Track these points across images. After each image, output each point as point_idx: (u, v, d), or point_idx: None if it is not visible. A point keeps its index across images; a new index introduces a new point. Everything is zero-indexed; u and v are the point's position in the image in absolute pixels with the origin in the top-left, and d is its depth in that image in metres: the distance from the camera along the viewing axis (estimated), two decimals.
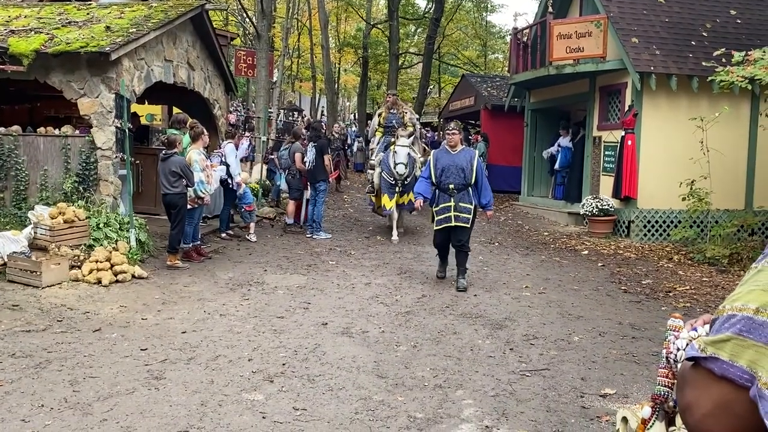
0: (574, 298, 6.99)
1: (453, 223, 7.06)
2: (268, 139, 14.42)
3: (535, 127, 14.83)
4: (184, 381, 4.28)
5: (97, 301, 6.20)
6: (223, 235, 9.71)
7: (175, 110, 11.75)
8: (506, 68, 24.38)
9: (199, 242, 8.43)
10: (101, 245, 7.27)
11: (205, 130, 8.42)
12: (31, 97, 11.62)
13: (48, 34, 8.35)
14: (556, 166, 13.72)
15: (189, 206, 7.91)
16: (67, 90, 8.26)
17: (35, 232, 7.16)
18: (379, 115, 11.05)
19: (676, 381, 1.31)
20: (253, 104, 21.68)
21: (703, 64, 10.16)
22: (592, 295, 7.17)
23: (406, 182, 9.76)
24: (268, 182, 13.13)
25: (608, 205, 10.98)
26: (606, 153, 11.68)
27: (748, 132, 11.11)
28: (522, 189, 15.08)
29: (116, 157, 8.25)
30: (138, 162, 9.80)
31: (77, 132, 8.62)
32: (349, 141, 19.83)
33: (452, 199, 7.07)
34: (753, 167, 11.15)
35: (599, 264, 8.91)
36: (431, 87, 31.62)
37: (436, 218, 7.25)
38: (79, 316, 5.73)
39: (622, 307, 6.68)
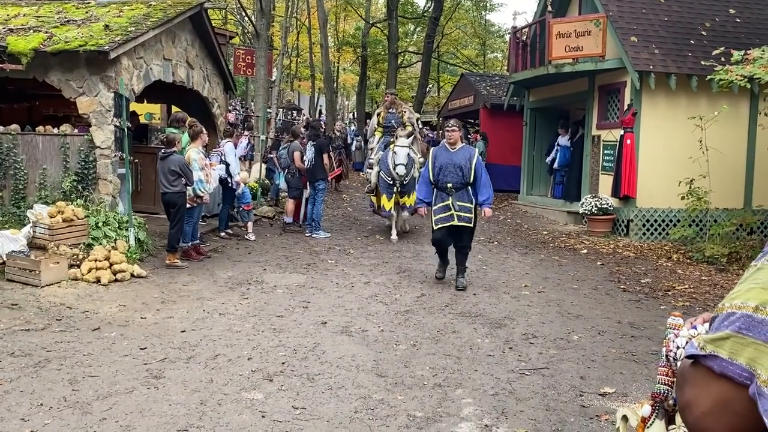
0: (574, 297, 6.99)
1: (456, 223, 6.91)
2: (267, 138, 14.40)
3: (534, 126, 14.83)
4: (184, 380, 4.28)
5: (96, 300, 6.20)
6: (222, 234, 9.71)
7: (174, 109, 11.73)
8: (505, 67, 24.38)
9: (198, 241, 8.43)
10: (100, 244, 7.27)
11: (204, 129, 8.42)
12: (29, 95, 11.61)
13: (47, 32, 8.34)
14: (555, 165, 13.73)
15: (188, 205, 7.90)
16: (66, 89, 8.25)
17: (34, 231, 7.15)
18: (378, 114, 10.98)
19: (675, 379, 1.32)
20: (252, 103, 21.68)
21: (702, 63, 10.16)
22: (592, 294, 7.18)
23: (405, 182, 9.70)
24: (267, 181, 13.12)
25: (607, 204, 10.98)
26: (605, 152, 11.69)
27: (747, 131, 11.12)
28: (521, 188, 15.09)
29: (115, 156, 8.24)
30: (137, 161, 9.79)
31: (76, 131, 8.61)
32: (348, 140, 19.81)
33: (450, 198, 6.93)
34: (752, 166, 11.16)
35: (598, 263, 8.92)
36: (430, 86, 31.64)
37: (434, 217, 7.12)
38: (78, 315, 5.73)
39: (621, 305, 6.69)
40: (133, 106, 10.74)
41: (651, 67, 10.62)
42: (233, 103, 19.51)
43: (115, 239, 7.46)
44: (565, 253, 9.64)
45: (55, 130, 8.47)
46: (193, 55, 10.43)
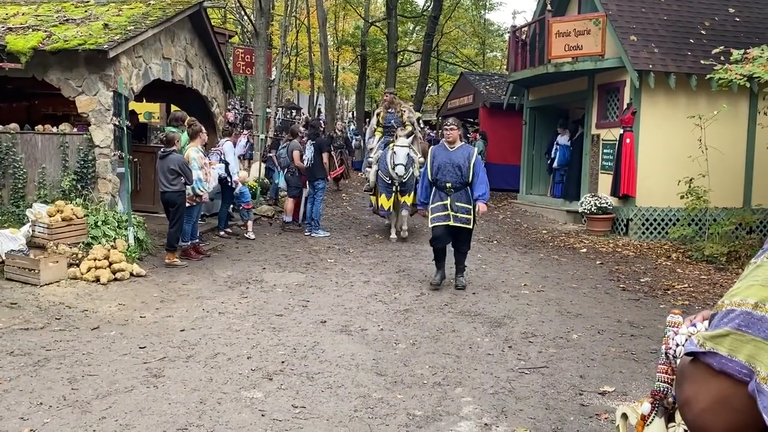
0: (573, 296, 6.99)
1: (452, 223, 6.83)
2: (266, 137, 14.40)
3: (533, 125, 14.84)
4: (183, 379, 4.28)
5: (95, 299, 6.19)
6: (222, 233, 9.71)
7: (173, 108, 11.73)
8: (505, 66, 24.39)
9: (197, 240, 8.43)
10: (99, 243, 7.26)
11: (203, 128, 8.41)
12: (28, 94, 11.61)
13: (46, 31, 8.33)
14: (555, 164, 13.73)
15: (187, 204, 7.90)
16: (65, 88, 8.25)
17: (33, 230, 7.15)
18: (378, 114, 10.88)
19: (675, 377, 1.32)
20: (251, 102, 21.68)
21: (702, 62, 10.16)
22: (591, 293, 7.18)
23: (404, 181, 9.64)
24: (266, 180, 13.12)
25: (607, 203, 10.99)
26: (604, 151, 11.69)
27: (747, 130, 11.13)
28: (520, 187, 15.09)
29: (114, 155, 8.24)
30: (136, 160, 9.79)
31: (75, 130, 8.60)
32: (350, 139, 19.79)
33: (449, 198, 6.82)
34: (751, 165, 11.17)
35: (598, 262, 8.92)
36: (430, 85, 31.66)
37: (430, 216, 7.01)
38: (78, 314, 5.73)
39: (620, 305, 6.69)
40: (133, 105, 10.74)
41: (650, 66, 10.62)
42: (232, 102, 19.51)
43: (115, 238, 7.46)
44: (564, 252, 9.64)
45: (54, 129, 8.47)
46: (192, 54, 10.42)
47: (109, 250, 7.04)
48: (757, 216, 10.78)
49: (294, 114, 27.17)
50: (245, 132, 14.31)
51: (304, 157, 10.19)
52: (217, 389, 4.12)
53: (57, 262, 6.65)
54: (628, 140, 10.75)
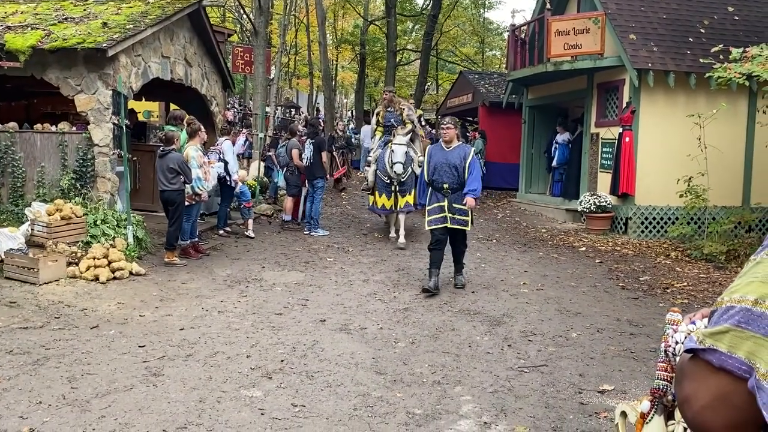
0: (572, 294, 7.00)
1: (449, 225, 6.70)
2: (265, 136, 14.40)
3: (533, 124, 14.83)
4: (183, 378, 4.28)
5: (94, 298, 6.19)
6: (221, 232, 9.71)
7: (173, 107, 11.72)
8: (504, 65, 24.38)
9: (196, 239, 8.43)
10: (98, 242, 7.26)
11: (202, 127, 8.41)
12: (27, 93, 11.59)
13: (45, 30, 8.32)
14: (554, 163, 13.74)
15: (186, 203, 7.90)
16: (64, 86, 8.24)
17: (32, 229, 7.14)
18: (377, 114, 10.74)
19: (674, 374, 1.32)
20: (251, 101, 21.67)
21: (701, 60, 10.16)
22: (590, 291, 7.18)
23: (402, 180, 9.51)
24: (265, 179, 13.12)
25: (606, 201, 10.99)
26: (603, 150, 11.70)
27: (746, 128, 11.13)
28: (520, 186, 15.09)
29: (113, 153, 8.23)
30: (135, 159, 9.79)
31: (74, 129, 8.59)
32: (352, 139, 19.76)
33: (446, 200, 6.70)
34: (750, 164, 11.17)
35: (597, 261, 8.93)
36: (429, 84, 31.64)
37: (427, 218, 6.89)
38: (77, 313, 5.73)
39: (620, 303, 6.69)
40: (132, 104, 10.74)
41: (649, 64, 10.62)
42: (231, 101, 19.51)
43: (114, 237, 7.46)
44: (563, 250, 9.64)
45: (54, 128, 8.46)
46: (191, 53, 10.42)
47: (108, 249, 7.03)
48: (756, 214, 10.79)
49: (293, 113, 27.16)
50: (244, 131, 14.31)
51: (303, 155, 10.18)
52: (216, 388, 4.12)
53: (56, 260, 6.65)
54: (627, 139, 10.75)
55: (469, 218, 6.77)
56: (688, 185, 9.70)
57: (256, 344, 5.00)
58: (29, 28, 8.39)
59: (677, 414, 1.54)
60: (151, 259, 7.81)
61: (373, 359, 4.76)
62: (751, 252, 0.95)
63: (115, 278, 6.78)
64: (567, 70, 11.75)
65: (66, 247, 6.96)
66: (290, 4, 26.54)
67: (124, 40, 8.08)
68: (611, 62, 11.18)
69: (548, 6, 12.25)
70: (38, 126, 8.59)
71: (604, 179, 11.50)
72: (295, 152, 10.33)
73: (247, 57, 17.25)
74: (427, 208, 6.91)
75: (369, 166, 10.56)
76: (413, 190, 9.37)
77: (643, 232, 10.97)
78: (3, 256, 6.65)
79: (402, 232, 9.58)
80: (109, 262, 6.87)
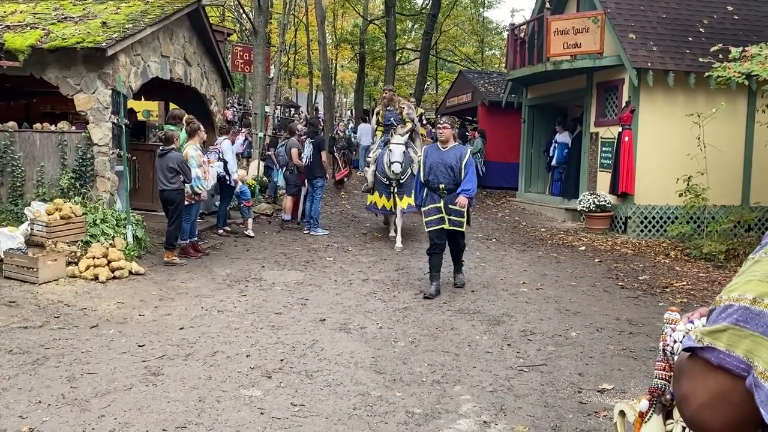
0: (572, 293, 7.00)
1: (446, 227, 6.62)
2: (265, 135, 14.39)
3: (532, 123, 14.83)
4: (182, 377, 4.28)
5: (94, 298, 6.19)
6: (220, 231, 9.71)
7: (172, 106, 11.72)
8: (503, 64, 24.38)
9: (196, 238, 8.43)
10: (98, 241, 7.26)
11: (201, 126, 8.41)
12: (27, 93, 11.59)
13: (44, 29, 8.32)
14: (553, 162, 13.74)
15: (186, 202, 7.89)
16: (63, 86, 8.24)
17: (32, 229, 7.14)
18: (377, 113, 10.58)
19: (673, 373, 1.32)
20: (250, 100, 21.67)
21: (700, 60, 10.16)
22: (590, 290, 7.19)
23: (401, 181, 9.31)
24: (265, 179, 13.12)
25: (605, 201, 11.00)
26: (603, 149, 11.70)
27: (745, 128, 11.14)
28: (519, 185, 15.09)
29: (113, 153, 8.23)
30: (135, 158, 9.79)
31: (73, 128, 8.59)
32: (352, 139, 19.74)
33: (442, 201, 6.59)
34: (749, 163, 11.18)
35: (596, 260, 8.93)
36: (428, 83, 31.62)
37: (425, 219, 6.81)
38: (76, 312, 5.73)
39: (619, 302, 6.70)
40: (131, 103, 10.74)
41: (649, 64, 10.62)
42: (231, 101, 19.50)
43: (113, 236, 7.46)
44: (563, 250, 9.65)
45: (53, 128, 8.46)
46: (190, 52, 10.41)
47: (107, 249, 7.03)
48: (756, 214, 10.79)
49: (293, 112, 27.16)
50: (243, 130, 14.30)
51: (303, 155, 10.18)
52: (216, 387, 4.12)
53: (55, 260, 6.65)
54: (626, 138, 10.75)
55: (465, 219, 6.66)
56: (688, 184, 9.70)
57: (255, 344, 5.00)
58: (28, 28, 8.39)
59: (676, 413, 1.54)
60: (151, 259, 7.80)
61: (372, 358, 4.76)
62: (750, 251, 0.95)
63: (114, 278, 6.78)
64: (566, 70, 11.75)
65: (65, 247, 6.96)
66: (290, 4, 26.53)
67: (123, 39, 8.08)
68: (610, 61, 11.18)
69: (548, 5, 12.25)
70: (37, 125, 8.58)
71: (604, 178, 11.51)
72: (294, 151, 10.33)
73: (246, 56, 17.25)
74: (423, 209, 6.82)
75: (368, 166, 10.48)
76: (414, 191, 9.26)
77: (642, 231, 10.97)
78: (2, 256, 6.65)
79: (399, 236, 9.42)
80: (109, 262, 6.87)
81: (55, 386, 4.06)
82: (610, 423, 3.63)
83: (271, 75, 20.03)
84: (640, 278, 7.83)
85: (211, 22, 11.49)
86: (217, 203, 10.04)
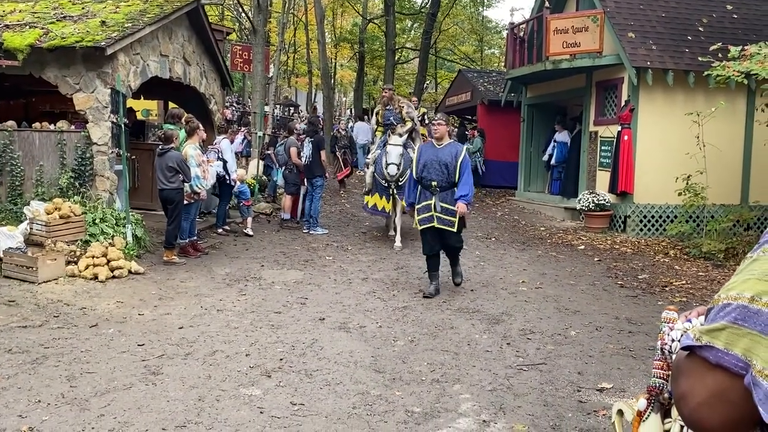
0: (571, 292, 7.00)
1: (435, 225, 6.47)
2: (264, 134, 14.39)
3: (531, 123, 14.83)
4: (182, 376, 4.28)
5: (93, 297, 6.19)
6: (220, 230, 9.71)
7: (171, 105, 11.71)
8: (503, 63, 24.38)
9: (195, 238, 8.43)
10: (97, 241, 7.26)
11: (200, 125, 8.40)
12: (26, 92, 11.57)
13: (43, 28, 8.31)
14: (553, 161, 13.74)
15: (185, 201, 7.89)
16: (63, 85, 8.23)
17: (31, 228, 7.14)
18: (377, 113, 10.43)
19: (671, 372, 1.32)
20: (249, 99, 21.66)
21: (700, 59, 10.17)
22: (589, 289, 7.19)
23: (399, 183, 9.10)
24: (264, 178, 13.12)
25: (604, 200, 11.00)
26: (602, 148, 11.70)
27: (744, 127, 11.14)
28: (518, 184, 15.09)
29: (112, 152, 8.23)
30: (134, 157, 9.78)
31: (73, 127, 8.59)
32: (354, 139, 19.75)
33: (433, 198, 6.48)
34: (749, 162, 11.18)
35: (595, 259, 8.93)
36: (428, 82, 31.61)
37: (416, 217, 6.72)
38: (76, 311, 5.73)
39: (618, 301, 6.70)
40: (130, 103, 10.72)
41: (648, 63, 10.62)
42: (230, 100, 19.50)
43: (113, 236, 7.46)
44: (562, 249, 9.65)
45: (52, 127, 8.45)
46: (190, 52, 10.41)
47: (107, 248, 7.03)
48: (755, 213, 10.79)
49: (292, 111, 27.15)
50: (242, 129, 14.29)
51: (302, 154, 10.17)
52: (215, 386, 4.12)
53: (55, 259, 6.65)
54: (625, 137, 10.76)
55: (456, 219, 6.49)
56: (687, 183, 9.70)
57: (255, 343, 5.00)
58: (27, 27, 8.38)
59: (674, 412, 1.55)
60: (150, 258, 7.80)
61: (372, 358, 4.76)
62: (749, 250, 0.96)
63: (114, 277, 6.78)
64: (566, 69, 11.75)
65: (65, 246, 6.96)
66: (289, 3, 26.52)
67: (122, 38, 8.07)
68: (610, 60, 11.18)
69: (547, 4, 12.25)
70: (37, 125, 8.58)
71: (603, 177, 11.51)
72: (293, 150, 10.32)
73: (245, 55, 17.24)
74: (417, 207, 6.73)
75: (368, 167, 10.36)
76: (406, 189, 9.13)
77: (641, 230, 10.98)
78: (2, 255, 6.65)
79: (399, 235, 9.36)
80: (108, 261, 6.87)
81: (54, 385, 4.06)
82: (609, 422, 3.63)
83: (271, 74, 20.02)
84: (639, 277, 7.83)
85: (210, 21, 11.48)
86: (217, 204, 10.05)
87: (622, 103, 11.05)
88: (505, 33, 21.30)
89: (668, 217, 10.93)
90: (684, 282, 7.62)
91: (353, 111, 30.33)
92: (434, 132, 6.70)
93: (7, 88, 10.78)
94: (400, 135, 9.14)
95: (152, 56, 9.16)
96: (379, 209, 9.70)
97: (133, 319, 5.55)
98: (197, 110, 10.69)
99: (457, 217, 6.45)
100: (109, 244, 7.19)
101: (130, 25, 8.45)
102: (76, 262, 6.87)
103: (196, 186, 7.99)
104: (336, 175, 14.73)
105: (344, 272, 7.64)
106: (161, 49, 9.41)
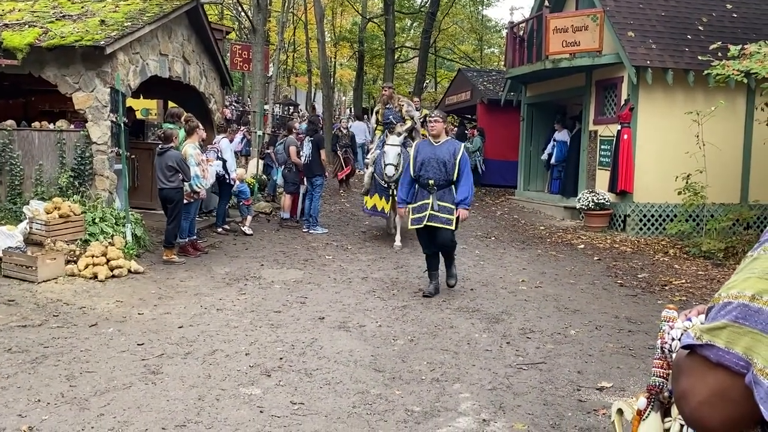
0: (571, 291, 7.01)
1: (432, 223, 6.29)
2: (263, 133, 14.38)
3: (531, 122, 14.83)
4: (181, 375, 4.28)
5: (93, 296, 6.19)
6: (220, 230, 9.71)
7: (171, 104, 11.70)
8: (502, 62, 24.38)
9: (195, 237, 8.43)
10: (97, 240, 7.26)
11: (200, 124, 8.40)
12: (25, 91, 11.57)
13: (42, 27, 8.30)
14: (552, 160, 13.74)
15: (185, 201, 7.89)
16: (62, 84, 8.22)
17: (31, 227, 7.14)
18: (377, 112, 10.37)
19: (671, 370, 1.32)
20: (249, 99, 21.64)
21: (699, 58, 10.17)
22: (589, 288, 7.19)
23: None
24: (264, 177, 13.12)
25: (604, 199, 11.00)
26: (602, 147, 11.70)
27: (744, 126, 11.14)
28: (518, 183, 15.09)
29: (112, 151, 8.22)
30: (133, 157, 9.77)
31: (72, 126, 8.58)
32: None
33: (431, 197, 6.35)
34: (748, 161, 11.18)
35: (595, 258, 8.93)
36: (427, 81, 31.60)
37: (410, 217, 6.54)
38: (76, 311, 5.72)
39: (618, 300, 6.70)
40: (130, 102, 10.71)
41: (648, 62, 10.62)
42: (230, 99, 19.48)
43: (112, 235, 7.45)
44: (562, 248, 9.65)
45: (51, 126, 8.44)
46: (189, 51, 10.40)
47: (106, 247, 7.03)
48: (754, 212, 10.80)
49: (292, 110, 27.14)
50: (242, 128, 14.28)
51: (301, 153, 10.16)
52: (215, 386, 4.12)
53: (54, 259, 6.64)
54: (625, 136, 10.76)
55: (454, 217, 6.36)
56: (687, 182, 9.71)
57: (254, 342, 5.00)
58: (27, 26, 8.37)
59: (674, 410, 1.55)
60: (150, 257, 7.80)
61: (371, 357, 4.76)
62: (749, 249, 0.95)
63: (113, 276, 6.78)
64: (565, 68, 11.75)
65: (64, 245, 6.96)
66: (288, 2, 26.49)
67: (122, 37, 8.06)
68: (609, 59, 11.17)
69: (546, 3, 12.25)
70: (36, 124, 8.56)
71: (603, 176, 11.51)
72: (292, 149, 10.32)
73: (245, 54, 17.23)
74: (411, 206, 6.57)
75: (367, 168, 10.31)
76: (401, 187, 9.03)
77: (641, 229, 10.98)
78: (1, 254, 6.64)
79: (398, 234, 9.31)
80: (108, 260, 6.87)
81: (54, 385, 4.06)
82: (609, 421, 3.63)
83: (270, 73, 20.02)
84: (639, 276, 7.84)
85: (209, 20, 11.47)
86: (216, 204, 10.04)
87: (622, 102, 11.05)
88: (504, 32, 21.28)
89: (668, 216, 10.93)
90: (684, 281, 7.62)
91: (352, 110, 30.33)
92: (431, 129, 6.61)
93: (6, 88, 10.77)
94: (399, 134, 9.04)
95: (152, 55, 9.16)
96: (378, 210, 9.63)
97: (133, 319, 5.55)
98: (197, 109, 10.68)
99: (454, 216, 6.38)
100: (109, 243, 7.18)
101: (129, 24, 8.45)
102: (75, 262, 6.87)
103: (196, 185, 7.99)
104: (336, 174, 14.71)
105: (344, 271, 7.64)
106: (161, 48, 9.40)
